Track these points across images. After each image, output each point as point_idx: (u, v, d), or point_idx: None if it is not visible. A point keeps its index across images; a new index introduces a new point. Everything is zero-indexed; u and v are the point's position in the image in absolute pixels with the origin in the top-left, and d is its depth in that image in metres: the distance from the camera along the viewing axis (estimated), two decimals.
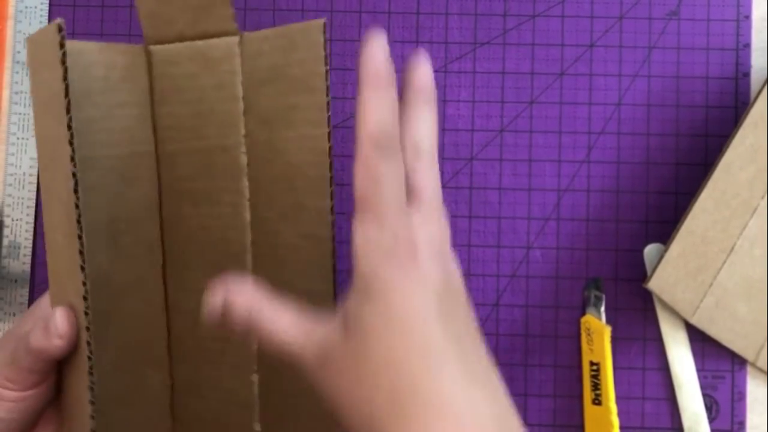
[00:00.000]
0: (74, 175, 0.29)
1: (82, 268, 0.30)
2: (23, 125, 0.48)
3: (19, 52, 0.48)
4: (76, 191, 0.29)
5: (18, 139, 0.48)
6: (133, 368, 0.37)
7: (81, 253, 0.29)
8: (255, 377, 0.36)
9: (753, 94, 0.47)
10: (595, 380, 0.45)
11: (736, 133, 0.44)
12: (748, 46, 0.48)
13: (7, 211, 0.47)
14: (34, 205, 0.47)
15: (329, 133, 0.32)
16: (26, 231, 0.47)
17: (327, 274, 0.33)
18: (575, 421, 0.46)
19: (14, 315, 0.47)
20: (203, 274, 0.35)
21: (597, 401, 0.45)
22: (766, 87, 0.44)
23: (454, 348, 0.26)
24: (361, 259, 0.26)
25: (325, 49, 0.32)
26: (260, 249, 0.36)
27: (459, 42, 0.48)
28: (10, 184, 0.47)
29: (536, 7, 0.48)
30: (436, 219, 0.28)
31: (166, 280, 0.38)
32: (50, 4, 0.48)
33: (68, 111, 0.28)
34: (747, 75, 0.47)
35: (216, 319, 0.28)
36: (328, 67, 0.33)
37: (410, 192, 0.28)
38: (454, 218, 0.47)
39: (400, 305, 0.25)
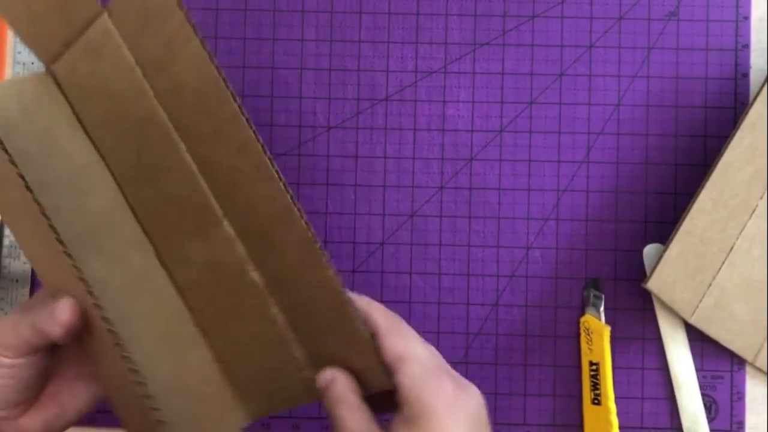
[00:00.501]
0: (36, 201, 0.31)
1: (82, 279, 0.31)
2: None
3: (20, 52, 0.48)
4: (44, 215, 0.31)
5: None
6: (171, 357, 0.37)
7: (75, 267, 0.31)
8: (275, 310, 0.37)
9: (752, 95, 0.47)
10: (595, 380, 0.45)
11: (734, 133, 0.44)
12: (747, 46, 0.48)
13: None
14: None
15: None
16: None
17: (287, 206, 0.35)
18: (575, 420, 0.46)
19: None
20: (190, 243, 0.37)
21: (596, 401, 0.45)
22: (764, 88, 0.44)
23: None
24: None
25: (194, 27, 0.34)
26: (223, 200, 0.37)
27: (459, 42, 0.48)
28: None
29: (535, 8, 0.48)
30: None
31: (165, 265, 0.39)
32: None
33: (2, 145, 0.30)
34: (746, 75, 0.48)
35: (320, 389, 0.34)
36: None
37: (405, 404, 0.32)
38: (453, 218, 0.47)
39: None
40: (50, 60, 0.38)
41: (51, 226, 0.30)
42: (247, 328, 0.37)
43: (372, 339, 0.33)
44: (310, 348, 0.36)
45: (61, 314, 0.32)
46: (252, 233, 0.36)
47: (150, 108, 0.36)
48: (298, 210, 0.34)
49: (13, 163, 0.31)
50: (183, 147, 0.36)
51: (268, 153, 0.34)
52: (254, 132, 0.34)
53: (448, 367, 0.33)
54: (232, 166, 0.35)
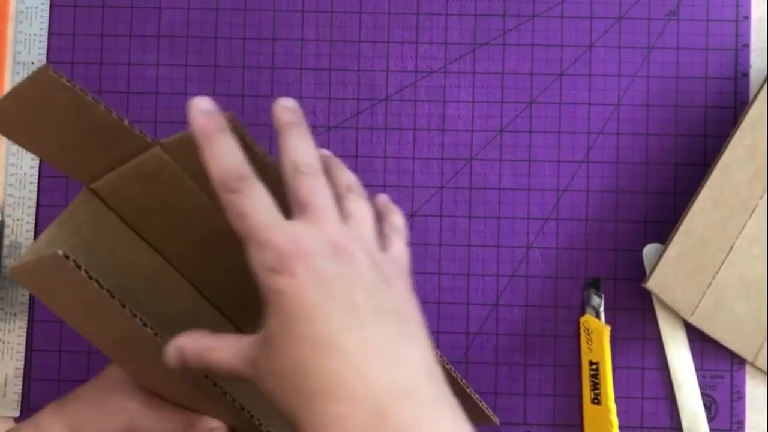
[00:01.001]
0: (151, 328, 0.31)
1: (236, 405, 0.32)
2: None
3: (19, 52, 0.48)
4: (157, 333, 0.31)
5: None
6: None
7: (225, 393, 0.32)
8: None
9: (752, 95, 0.47)
10: (595, 380, 0.45)
11: (734, 133, 0.44)
12: (747, 46, 0.48)
13: (8, 211, 0.47)
14: (35, 205, 0.47)
15: None
16: (27, 231, 0.47)
17: None
18: (575, 420, 0.46)
19: (15, 315, 0.47)
20: (193, 240, 0.37)
21: (596, 401, 0.45)
22: (764, 87, 0.44)
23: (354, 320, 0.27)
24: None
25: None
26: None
27: (459, 42, 0.48)
28: (11, 185, 0.48)
29: (535, 7, 0.48)
30: (333, 219, 0.29)
31: (176, 267, 0.39)
32: (51, 5, 0.48)
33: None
34: (746, 75, 0.48)
35: (178, 365, 0.30)
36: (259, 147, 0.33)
37: (299, 209, 0.29)
38: (453, 218, 0.47)
39: (295, 306, 0.27)
40: (90, 180, 0.36)
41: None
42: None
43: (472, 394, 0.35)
44: None
45: None
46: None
47: (219, 224, 0.34)
48: None
49: (110, 293, 0.30)
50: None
51: None
52: None
53: None
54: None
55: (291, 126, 0.31)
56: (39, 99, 0.30)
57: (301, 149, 0.30)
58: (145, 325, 0.30)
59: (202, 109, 0.29)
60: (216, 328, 0.35)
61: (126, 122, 0.32)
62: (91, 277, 0.29)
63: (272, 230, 0.27)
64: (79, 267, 0.29)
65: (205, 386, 0.31)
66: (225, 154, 0.29)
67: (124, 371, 0.35)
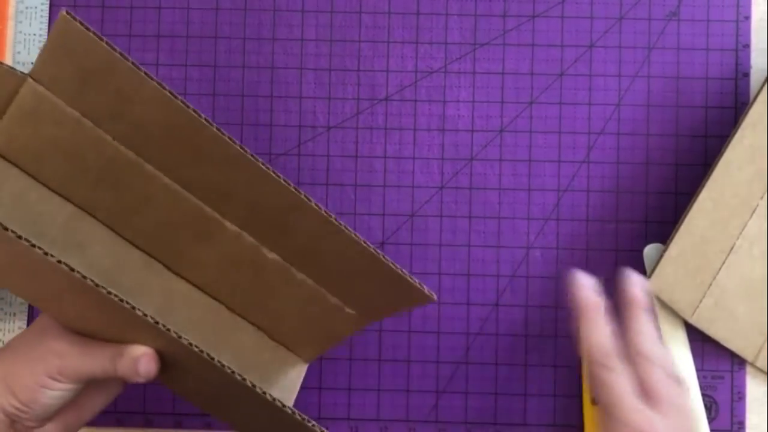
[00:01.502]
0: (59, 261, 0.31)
1: (163, 329, 0.32)
2: None
3: (19, 52, 0.48)
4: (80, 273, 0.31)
5: None
6: (224, 346, 0.41)
7: (149, 317, 0.32)
8: (301, 276, 0.40)
9: (752, 95, 0.47)
10: None
11: (735, 133, 0.44)
12: (747, 46, 0.48)
13: None
14: None
15: None
16: None
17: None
18: (575, 420, 0.46)
19: (14, 315, 0.47)
20: (199, 248, 0.40)
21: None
22: (764, 87, 0.44)
23: None
24: None
25: None
26: (218, 205, 0.39)
27: (459, 42, 0.48)
28: None
29: (536, 7, 0.48)
30: (675, 413, 0.34)
31: (181, 276, 0.41)
32: (50, 5, 0.48)
33: None
34: (747, 75, 0.47)
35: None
36: None
37: (647, 395, 0.34)
38: (454, 218, 0.47)
39: None
40: None
41: (92, 281, 0.30)
42: (278, 298, 0.40)
43: (404, 274, 0.36)
44: (344, 294, 0.40)
45: (145, 367, 0.34)
46: (258, 225, 0.38)
47: (113, 151, 0.37)
48: (306, 197, 0.35)
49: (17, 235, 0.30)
50: (161, 175, 0.38)
51: (260, 159, 0.35)
52: (241, 147, 0.35)
53: None
54: (223, 179, 0.37)
55: (642, 309, 0.37)
56: None
57: (648, 335, 0.36)
58: (59, 262, 0.30)
59: (588, 286, 0.37)
60: (141, 269, 0.38)
61: None
62: (6, 229, 0.29)
63: (636, 413, 0.33)
64: None
65: (126, 314, 0.31)
66: (602, 334, 0.35)
67: (50, 316, 0.36)
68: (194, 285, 0.41)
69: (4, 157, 0.39)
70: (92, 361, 0.35)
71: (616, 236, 0.47)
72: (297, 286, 0.40)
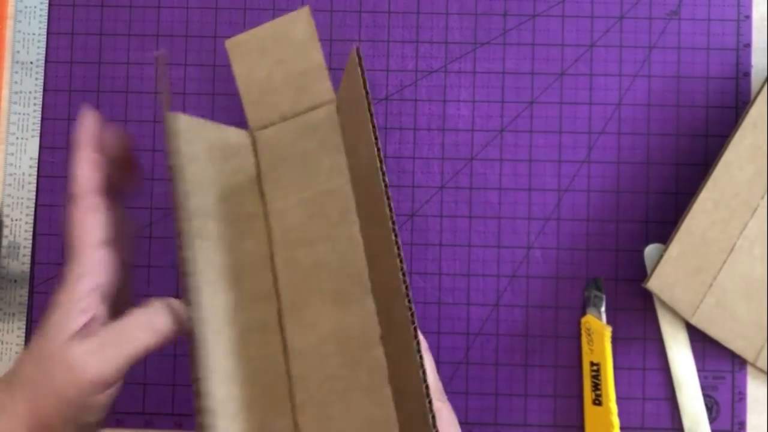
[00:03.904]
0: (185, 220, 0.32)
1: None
2: (22, 125, 0.48)
3: (18, 51, 0.48)
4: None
5: (17, 139, 0.48)
6: (259, 416, 0.36)
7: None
8: (388, 392, 0.35)
9: (753, 94, 0.47)
10: (596, 380, 0.45)
11: (735, 133, 0.44)
12: (748, 45, 0.48)
13: (6, 211, 0.47)
14: (33, 205, 0.47)
15: None
16: (26, 231, 0.47)
17: None
18: (575, 421, 0.46)
19: (14, 315, 0.47)
20: (323, 308, 0.37)
21: (597, 401, 0.45)
22: (765, 87, 0.44)
23: None
24: None
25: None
26: (377, 274, 0.36)
27: (459, 42, 0.48)
28: (10, 184, 0.47)
29: (536, 7, 0.48)
30: None
31: (282, 325, 0.38)
32: (50, 4, 0.48)
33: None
34: (747, 75, 0.47)
35: None
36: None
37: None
38: (454, 218, 0.47)
39: None
40: (259, 127, 0.40)
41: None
42: (351, 405, 0.36)
43: None
44: None
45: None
46: (383, 310, 0.36)
47: (342, 182, 0.38)
48: (406, 288, 0.32)
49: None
50: (357, 221, 0.37)
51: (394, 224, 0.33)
52: (389, 204, 0.33)
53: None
54: (378, 239, 0.35)
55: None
56: None
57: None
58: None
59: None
60: (258, 283, 0.38)
61: None
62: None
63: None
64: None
65: None
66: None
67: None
68: (284, 343, 0.37)
69: (254, 150, 0.40)
70: (127, 342, 0.31)
71: (616, 236, 0.47)
72: (380, 403, 0.35)
